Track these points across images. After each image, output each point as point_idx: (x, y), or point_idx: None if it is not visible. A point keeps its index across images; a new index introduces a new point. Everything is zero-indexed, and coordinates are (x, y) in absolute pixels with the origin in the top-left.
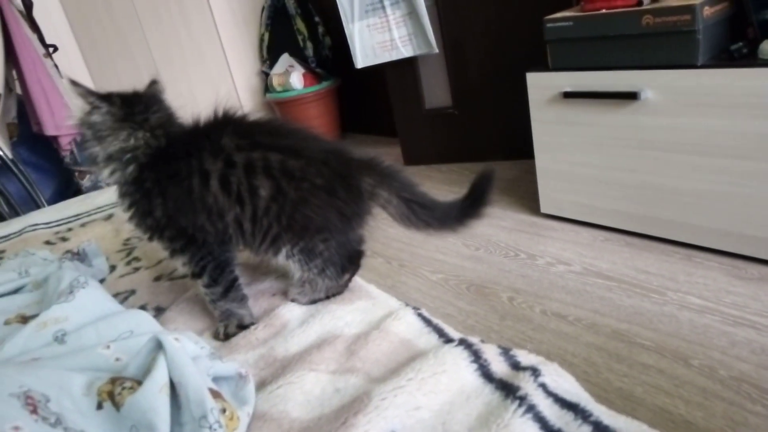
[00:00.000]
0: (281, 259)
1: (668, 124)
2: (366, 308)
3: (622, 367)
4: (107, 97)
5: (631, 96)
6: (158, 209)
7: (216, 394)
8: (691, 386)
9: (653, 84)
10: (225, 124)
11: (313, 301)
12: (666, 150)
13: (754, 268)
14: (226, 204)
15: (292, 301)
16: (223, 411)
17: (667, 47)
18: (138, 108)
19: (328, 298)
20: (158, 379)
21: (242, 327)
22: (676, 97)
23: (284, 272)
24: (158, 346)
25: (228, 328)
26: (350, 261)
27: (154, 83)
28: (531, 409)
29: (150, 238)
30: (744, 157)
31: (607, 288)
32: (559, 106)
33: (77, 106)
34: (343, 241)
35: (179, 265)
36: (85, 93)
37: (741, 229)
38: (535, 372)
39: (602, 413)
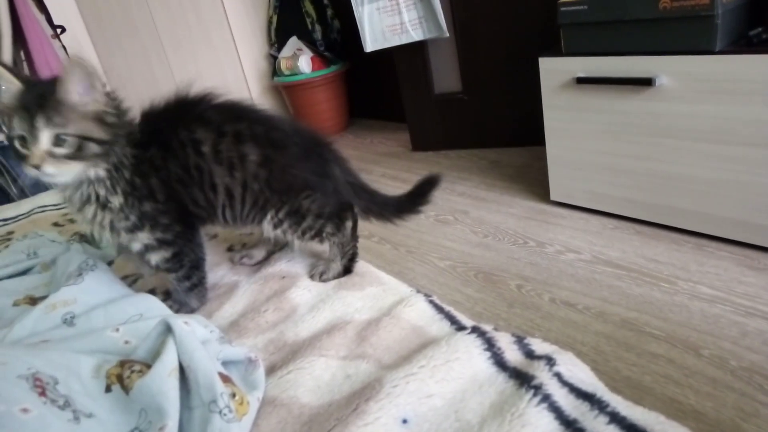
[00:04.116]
0: (268, 228)
1: (683, 111)
2: (377, 294)
3: (631, 356)
4: None
5: (646, 82)
6: (159, 191)
7: (225, 379)
8: (701, 376)
9: (669, 70)
10: (200, 103)
11: (337, 274)
12: (680, 138)
13: (767, 258)
14: (217, 171)
15: (320, 276)
16: (233, 395)
17: (684, 32)
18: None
19: (351, 262)
20: (167, 363)
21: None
22: (692, 83)
23: (294, 256)
24: (167, 329)
25: (178, 311)
26: (342, 209)
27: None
28: (546, 398)
29: (138, 228)
30: (760, 145)
31: (616, 276)
32: (571, 92)
33: None
34: (326, 193)
35: (156, 257)
36: None
37: (754, 218)
38: (549, 361)
39: (619, 403)
